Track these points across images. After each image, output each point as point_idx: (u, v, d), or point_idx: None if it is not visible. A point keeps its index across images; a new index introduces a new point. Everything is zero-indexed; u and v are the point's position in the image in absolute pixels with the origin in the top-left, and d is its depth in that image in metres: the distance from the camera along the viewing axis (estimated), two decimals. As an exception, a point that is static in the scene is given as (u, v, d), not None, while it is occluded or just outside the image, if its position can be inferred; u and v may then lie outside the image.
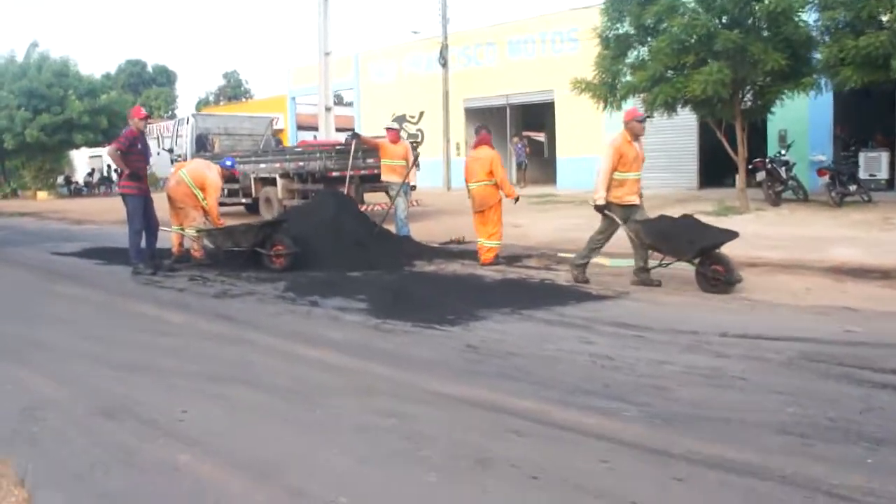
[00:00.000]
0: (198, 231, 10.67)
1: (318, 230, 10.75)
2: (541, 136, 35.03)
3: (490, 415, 4.47)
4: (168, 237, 11.25)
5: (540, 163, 32.05)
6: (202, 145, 22.29)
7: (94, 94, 37.90)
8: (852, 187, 17.57)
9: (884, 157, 20.00)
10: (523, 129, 32.79)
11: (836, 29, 14.78)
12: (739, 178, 17.40)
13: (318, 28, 24.21)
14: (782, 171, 18.29)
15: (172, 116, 61.79)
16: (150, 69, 73.12)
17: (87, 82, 38.49)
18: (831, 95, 18.82)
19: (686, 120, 21.42)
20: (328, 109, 23.85)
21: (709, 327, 6.36)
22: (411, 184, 13.76)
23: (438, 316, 7.14)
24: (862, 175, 19.63)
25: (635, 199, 8.94)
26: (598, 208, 8.84)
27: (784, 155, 18.95)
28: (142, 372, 5.51)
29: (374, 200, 17.93)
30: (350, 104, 37.47)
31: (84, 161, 48.29)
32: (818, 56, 15.96)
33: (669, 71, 16.85)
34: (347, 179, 15.79)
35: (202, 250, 11.11)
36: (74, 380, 5.43)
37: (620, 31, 18.17)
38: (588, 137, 25.80)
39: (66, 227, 20.82)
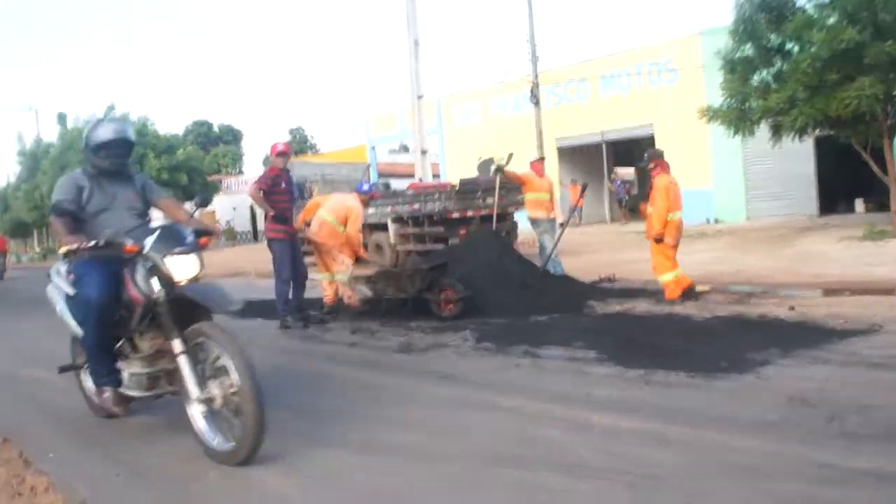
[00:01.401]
0: (356, 278, 9.66)
1: (482, 273, 9.71)
2: (629, 175, 34.09)
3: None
4: (320, 288, 10.29)
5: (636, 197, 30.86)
6: (300, 192, 21.60)
7: (171, 150, 37.87)
8: None
9: None
10: (616, 164, 31.78)
11: None
12: (894, 200, 15.93)
13: (410, 71, 23.58)
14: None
15: (241, 173, 62.17)
16: (216, 129, 73.87)
17: (164, 140, 38.50)
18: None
19: (801, 145, 20.04)
20: (424, 153, 23.19)
21: None
22: (559, 220, 12.68)
23: (705, 363, 5.96)
24: None
25: None
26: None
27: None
28: (411, 458, 4.33)
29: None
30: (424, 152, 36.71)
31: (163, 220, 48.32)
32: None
33: (805, 91, 15.51)
34: (494, 218, 14.69)
35: (356, 298, 10.14)
36: (329, 474, 4.19)
37: (745, 54, 16.96)
38: (693, 169, 24.57)
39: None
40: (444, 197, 16.35)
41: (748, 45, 17.08)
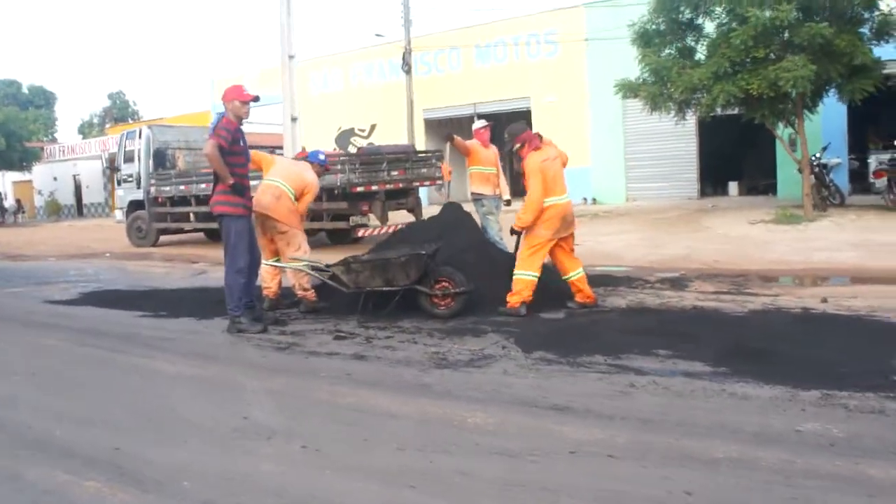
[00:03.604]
0: (334, 266, 7.78)
1: (464, 258, 8.13)
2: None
3: None
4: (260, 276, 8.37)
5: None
6: (161, 161, 19.06)
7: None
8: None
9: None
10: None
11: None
12: (805, 183, 15.66)
13: (281, 27, 21.37)
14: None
15: (53, 140, 56.66)
16: (25, 90, 66.93)
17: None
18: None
19: (682, 126, 19.70)
20: (294, 120, 20.96)
21: None
22: (504, 197, 11.26)
23: (867, 378, 4.87)
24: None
25: None
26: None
27: (820, 158, 17.40)
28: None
29: (398, 220, 15.39)
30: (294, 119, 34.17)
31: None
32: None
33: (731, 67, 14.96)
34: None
35: (312, 290, 8.32)
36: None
37: (658, 28, 16.21)
38: (571, 146, 23.79)
39: (6, 265, 17.11)
40: (347, 168, 14.48)
41: (661, 19, 16.30)
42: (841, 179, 18.55)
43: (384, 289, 7.44)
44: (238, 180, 7.29)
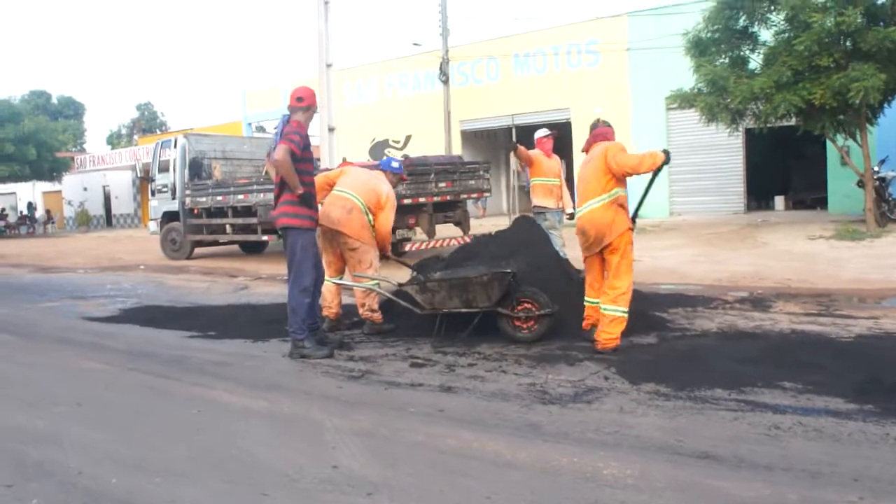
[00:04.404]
0: (407, 285, 7.21)
1: (540, 276, 7.55)
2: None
3: None
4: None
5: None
6: (197, 172, 18.60)
7: (15, 120, 33.00)
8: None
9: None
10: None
11: None
12: (868, 197, 15.00)
13: (319, 34, 21.02)
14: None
15: (82, 151, 56.66)
16: (55, 101, 67.06)
17: (7, 106, 33.54)
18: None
19: (730, 138, 19.11)
20: (331, 130, 20.51)
21: None
22: (567, 210, 10.71)
23: None
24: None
25: None
26: None
27: (879, 171, 16.71)
28: None
29: (446, 234, 14.88)
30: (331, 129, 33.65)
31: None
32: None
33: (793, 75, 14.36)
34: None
35: (379, 310, 7.77)
36: None
37: (713, 36, 15.63)
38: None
39: (39, 277, 16.69)
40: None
41: (716, 26, 15.75)
42: (896, 194, 17.87)
43: (462, 310, 6.86)
44: (307, 189, 6.75)
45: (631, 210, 6.71)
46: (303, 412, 5.19)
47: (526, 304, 6.93)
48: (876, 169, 16.67)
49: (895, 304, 8.85)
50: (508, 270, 6.68)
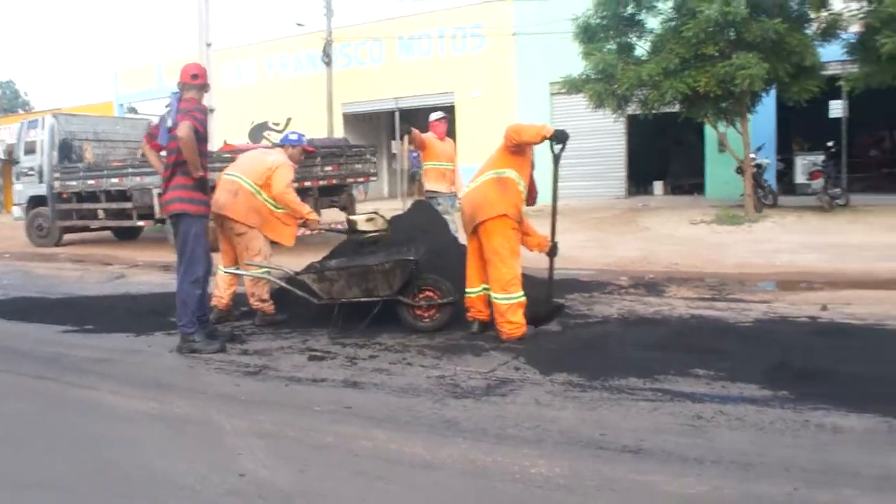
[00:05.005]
0: (303, 274, 6.82)
1: (447, 261, 7.32)
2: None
3: None
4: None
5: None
6: (67, 154, 17.52)
7: None
8: (837, 190, 16.29)
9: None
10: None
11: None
12: (747, 183, 15.46)
13: (199, 11, 20.31)
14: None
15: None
16: None
17: None
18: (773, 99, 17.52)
19: (612, 124, 19.47)
20: (211, 111, 19.70)
21: None
22: (459, 195, 10.50)
23: None
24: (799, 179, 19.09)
25: None
26: None
27: (755, 159, 17.28)
28: None
29: (331, 219, 14.46)
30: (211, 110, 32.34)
31: None
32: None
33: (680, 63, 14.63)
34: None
35: (271, 301, 7.36)
36: None
37: (602, 22, 15.76)
38: (498, 142, 23.27)
39: None
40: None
41: (604, 13, 15.86)
42: (770, 180, 18.47)
43: (362, 300, 6.54)
44: (206, 174, 6.30)
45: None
46: (198, 413, 4.75)
47: (428, 293, 6.68)
48: (753, 156, 17.17)
49: (783, 287, 9.05)
50: (411, 258, 6.39)
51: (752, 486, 3.37)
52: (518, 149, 6.42)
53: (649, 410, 4.41)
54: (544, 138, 6.21)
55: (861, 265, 9.92)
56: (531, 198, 6.76)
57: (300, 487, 3.54)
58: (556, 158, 6.39)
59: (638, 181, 23.78)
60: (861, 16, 14.10)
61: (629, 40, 16.27)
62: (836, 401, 4.41)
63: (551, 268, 6.67)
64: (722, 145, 17.15)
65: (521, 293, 6.24)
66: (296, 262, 7.83)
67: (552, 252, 6.74)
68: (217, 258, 7.33)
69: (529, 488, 3.43)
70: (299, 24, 26.63)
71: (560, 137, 6.24)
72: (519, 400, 4.72)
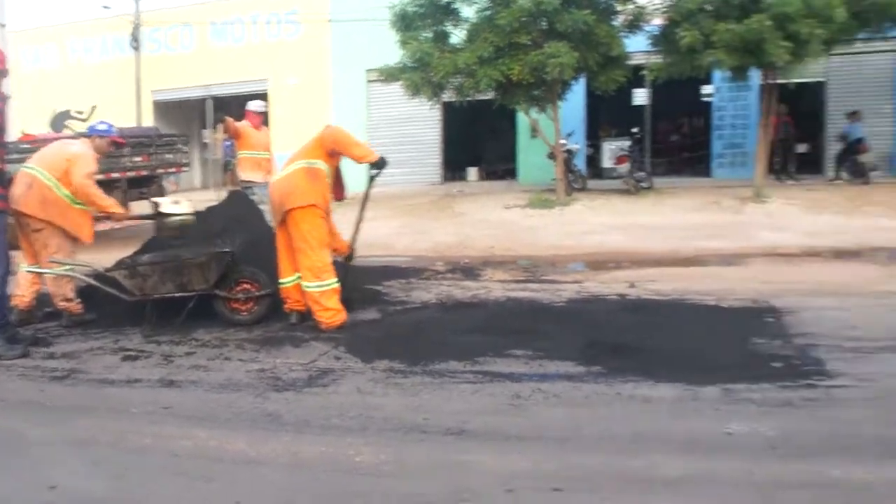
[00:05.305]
0: (113, 270, 6.43)
1: (264, 252, 7.14)
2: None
3: None
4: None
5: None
6: None
7: None
8: (642, 174, 17.28)
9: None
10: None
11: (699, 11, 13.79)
12: (559, 168, 16.09)
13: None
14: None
15: None
16: None
17: None
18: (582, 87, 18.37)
19: (428, 111, 19.77)
20: (8, 97, 18.38)
21: None
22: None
23: (747, 368, 4.71)
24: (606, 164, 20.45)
25: None
26: None
27: (566, 144, 18.02)
28: None
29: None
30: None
31: None
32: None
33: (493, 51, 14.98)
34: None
35: (77, 300, 6.94)
36: None
37: (419, 10, 15.88)
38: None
39: None
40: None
41: (421, 1, 15.97)
42: (580, 165, 19.24)
43: (177, 295, 6.29)
44: (3, 166, 5.83)
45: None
46: (1, 423, 4.40)
47: (245, 285, 6.51)
48: (563, 142, 17.83)
49: (593, 267, 9.44)
50: (227, 250, 6.20)
51: (571, 458, 3.51)
52: (336, 152, 6.40)
53: (470, 392, 4.49)
54: (368, 162, 6.21)
55: (664, 244, 10.52)
56: (339, 192, 6.72)
57: (118, 494, 3.38)
58: (371, 180, 6.42)
59: (453, 167, 24.08)
60: (664, 10, 14.87)
61: (445, 28, 16.40)
62: (645, 373, 4.66)
63: (346, 271, 6.72)
64: (534, 131, 17.69)
65: (335, 279, 6.20)
66: (105, 258, 7.40)
67: (349, 258, 6.87)
68: (19, 256, 6.84)
69: (356, 477, 3.41)
70: (106, 7, 25.16)
71: (380, 165, 6.27)
72: (341, 389, 4.69)
